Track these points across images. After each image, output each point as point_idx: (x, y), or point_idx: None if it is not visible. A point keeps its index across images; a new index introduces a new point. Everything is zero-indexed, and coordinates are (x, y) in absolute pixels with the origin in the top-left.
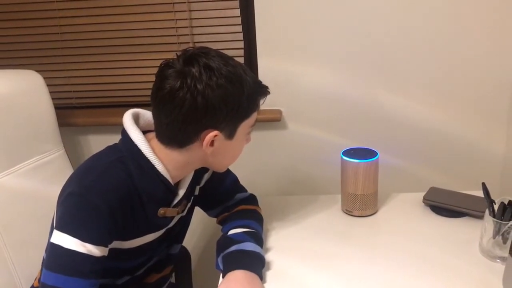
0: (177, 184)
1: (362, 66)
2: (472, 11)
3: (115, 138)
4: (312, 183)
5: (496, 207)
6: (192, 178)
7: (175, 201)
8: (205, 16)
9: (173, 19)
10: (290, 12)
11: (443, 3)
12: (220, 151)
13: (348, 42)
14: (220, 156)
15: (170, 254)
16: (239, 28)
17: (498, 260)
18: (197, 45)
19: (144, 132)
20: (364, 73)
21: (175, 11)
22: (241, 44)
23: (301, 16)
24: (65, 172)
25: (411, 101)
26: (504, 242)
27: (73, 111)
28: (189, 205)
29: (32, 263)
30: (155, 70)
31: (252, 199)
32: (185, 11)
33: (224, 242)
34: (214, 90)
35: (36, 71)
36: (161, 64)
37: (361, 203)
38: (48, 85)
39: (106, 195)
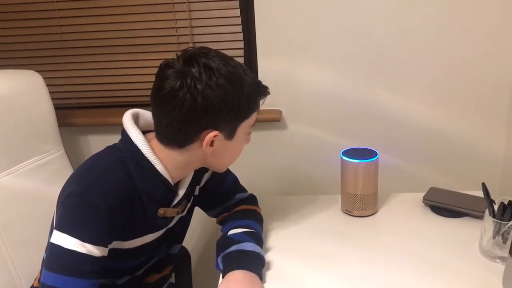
0: (177, 184)
1: (362, 66)
2: (472, 11)
3: (115, 138)
4: (312, 183)
5: (496, 207)
6: (192, 178)
7: (175, 201)
8: (205, 16)
9: (173, 19)
10: (290, 12)
11: (443, 3)
12: (220, 151)
13: (348, 42)
14: (220, 156)
15: (170, 254)
16: (239, 28)
17: (498, 260)
18: (197, 45)
19: (144, 132)
20: (364, 73)
21: (175, 11)
22: (241, 44)
23: (301, 16)
24: (65, 172)
25: (411, 101)
26: (504, 242)
27: (73, 111)
28: (189, 205)
29: (32, 263)
30: (155, 70)
31: (252, 199)
32: (185, 11)
33: (224, 242)
34: (214, 90)
35: (36, 71)
36: (161, 64)
37: (361, 203)
38: (48, 85)
39: (106, 195)
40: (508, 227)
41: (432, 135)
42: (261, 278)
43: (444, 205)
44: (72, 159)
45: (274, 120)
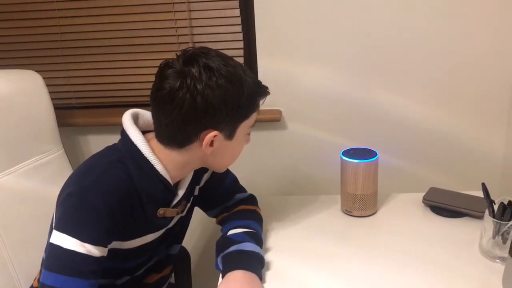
0: (177, 185)
1: (362, 66)
2: (472, 11)
3: (115, 138)
4: (312, 183)
5: (496, 207)
6: (192, 179)
7: (175, 201)
8: (205, 16)
9: (173, 19)
10: (290, 12)
11: (443, 3)
12: (219, 151)
13: (348, 42)
14: (219, 156)
15: (170, 255)
16: (239, 28)
17: (498, 260)
18: (197, 45)
19: (144, 132)
20: (364, 73)
21: (175, 11)
22: (241, 44)
23: (301, 16)
24: (65, 172)
25: (411, 101)
26: (504, 242)
27: (73, 111)
28: (188, 205)
29: (32, 263)
30: (154, 70)
31: (251, 199)
32: (185, 11)
33: (224, 242)
34: (214, 90)
35: (36, 71)
36: (160, 64)
37: (361, 203)
38: (48, 85)
39: (105, 195)
40: (508, 227)
41: (432, 135)
42: (261, 278)
43: (444, 205)
44: (72, 159)
45: (274, 120)
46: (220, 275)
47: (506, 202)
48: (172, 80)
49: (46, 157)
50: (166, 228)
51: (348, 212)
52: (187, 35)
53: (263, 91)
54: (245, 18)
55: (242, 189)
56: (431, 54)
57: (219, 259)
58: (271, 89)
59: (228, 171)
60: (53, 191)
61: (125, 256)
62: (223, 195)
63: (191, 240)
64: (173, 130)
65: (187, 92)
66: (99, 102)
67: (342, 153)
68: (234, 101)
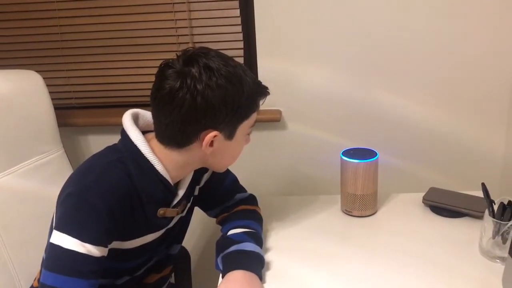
0: (177, 185)
1: (362, 66)
2: (472, 11)
3: (115, 138)
4: (312, 183)
5: (495, 207)
6: (192, 179)
7: (175, 202)
8: (205, 16)
9: (173, 19)
10: (290, 12)
11: (443, 3)
12: (219, 151)
13: (348, 42)
14: (219, 156)
15: (170, 255)
16: (239, 28)
17: (498, 260)
18: (197, 45)
19: (144, 132)
20: (364, 73)
21: (175, 11)
22: (241, 44)
23: (301, 16)
24: (65, 172)
25: (411, 101)
26: (504, 242)
27: (73, 111)
28: (188, 205)
29: (32, 263)
30: (154, 70)
31: (251, 199)
32: (185, 11)
33: (224, 242)
34: (214, 91)
35: (36, 71)
36: (161, 64)
37: (361, 203)
38: (48, 85)
39: (105, 195)
40: (508, 227)
41: (432, 135)
42: (261, 278)
43: (444, 205)
44: (72, 159)
45: (274, 120)
46: (220, 275)
47: (506, 202)
48: (172, 80)
49: (46, 157)
50: (166, 228)
51: (348, 212)
52: (187, 35)
53: (263, 91)
54: (245, 18)
55: (242, 189)
56: (431, 54)
57: (219, 259)
58: (271, 89)
59: (228, 171)
60: (53, 191)
61: (125, 256)
62: (223, 195)
63: (191, 240)
64: (173, 130)
65: (187, 92)
66: (99, 102)
67: (342, 153)
68: (234, 101)
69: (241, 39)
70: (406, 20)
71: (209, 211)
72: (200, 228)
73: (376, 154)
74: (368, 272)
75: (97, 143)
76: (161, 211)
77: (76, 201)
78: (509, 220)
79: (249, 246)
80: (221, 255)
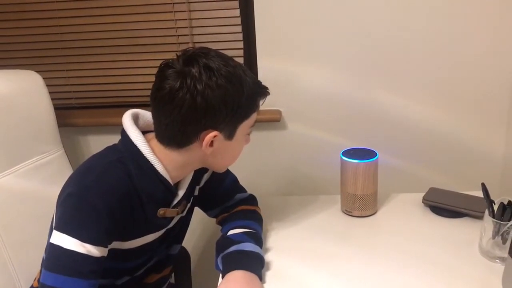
0: (177, 185)
1: (362, 66)
2: (472, 11)
3: (115, 139)
4: (312, 184)
5: (495, 207)
6: (192, 179)
7: (175, 202)
8: (204, 16)
9: (173, 19)
10: (290, 12)
11: (443, 3)
12: (219, 151)
13: (348, 42)
14: (219, 156)
15: (170, 255)
16: (239, 28)
17: (498, 261)
18: (197, 45)
19: (144, 132)
20: (364, 73)
21: (175, 11)
22: (241, 44)
23: (301, 16)
24: (65, 172)
25: (411, 101)
26: (504, 242)
27: (73, 112)
28: (188, 205)
29: (32, 264)
30: (154, 70)
31: (251, 199)
32: (185, 11)
33: (224, 242)
34: (214, 91)
35: (36, 71)
36: (161, 64)
37: (361, 204)
38: (47, 85)
39: (105, 196)
40: (508, 227)
41: (432, 135)
42: (261, 278)
43: (444, 205)
44: (72, 159)
45: (274, 120)
46: (220, 275)
47: (506, 202)
48: (172, 80)
49: (46, 157)
50: (166, 228)
51: (348, 212)
52: (187, 35)
53: (263, 91)
54: (245, 18)
55: (242, 189)
56: (431, 54)
57: (219, 259)
58: (271, 89)
59: (228, 171)
60: (53, 191)
61: (125, 256)
62: (223, 195)
63: (191, 240)
64: (173, 130)
65: (187, 92)
66: (99, 102)
67: (342, 153)
68: (234, 101)
69: (241, 39)
70: (406, 20)
71: (209, 211)
72: (200, 228)
73: (376, 154)
74: (368, 272)
75: (97, 143)
76: (161, 211)
77: (76, 201)
78: (509, 220)
79: (249, 246)
80: (221, 255)
